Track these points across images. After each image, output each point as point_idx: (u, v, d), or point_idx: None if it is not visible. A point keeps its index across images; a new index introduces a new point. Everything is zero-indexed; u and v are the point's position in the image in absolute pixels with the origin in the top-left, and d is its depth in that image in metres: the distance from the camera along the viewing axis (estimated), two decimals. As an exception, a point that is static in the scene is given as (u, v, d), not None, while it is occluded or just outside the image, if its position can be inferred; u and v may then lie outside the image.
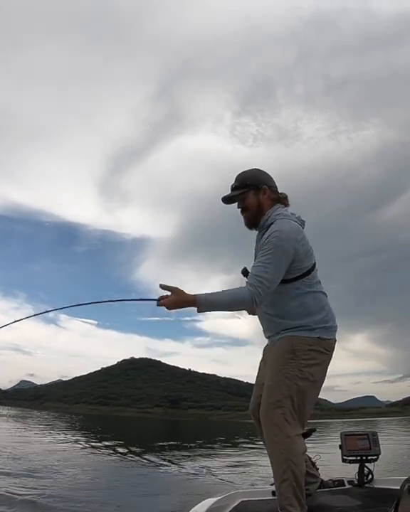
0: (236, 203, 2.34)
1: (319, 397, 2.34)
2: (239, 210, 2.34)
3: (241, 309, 2.20)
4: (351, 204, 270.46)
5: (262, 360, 2.48)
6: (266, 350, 2.44)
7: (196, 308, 1.99)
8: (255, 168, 2.37)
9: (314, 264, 2.23)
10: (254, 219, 2.31)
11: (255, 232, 2.38)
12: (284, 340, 2.21)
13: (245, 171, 2.35)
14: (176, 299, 1.99)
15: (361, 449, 2.79)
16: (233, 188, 2.32)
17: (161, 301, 2.01)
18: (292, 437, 2.06)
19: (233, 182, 2.33)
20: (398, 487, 1.68)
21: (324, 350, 2.21)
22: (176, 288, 2.01)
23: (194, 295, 1.99)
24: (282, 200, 2.33)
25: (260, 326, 2.44)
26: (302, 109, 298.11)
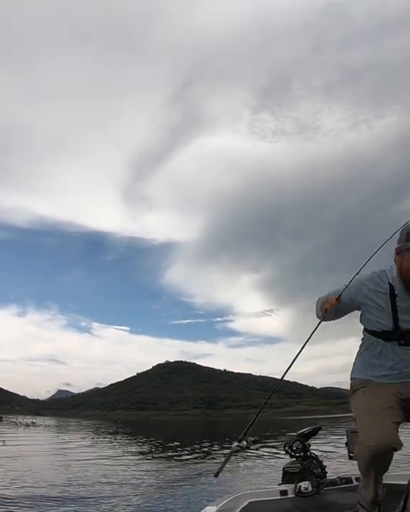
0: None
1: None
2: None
3: None
4: (375, 194, 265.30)
5: (393, 395, 2.12)
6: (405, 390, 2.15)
7: None
8: None
9: None
10: None
11: None
12: None
13: None
14: None
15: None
16: None
17: None
18: None
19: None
20: (406, 482, 1.75)
21: None
22: None
23: None
24: None
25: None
26: (321, 101, 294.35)
